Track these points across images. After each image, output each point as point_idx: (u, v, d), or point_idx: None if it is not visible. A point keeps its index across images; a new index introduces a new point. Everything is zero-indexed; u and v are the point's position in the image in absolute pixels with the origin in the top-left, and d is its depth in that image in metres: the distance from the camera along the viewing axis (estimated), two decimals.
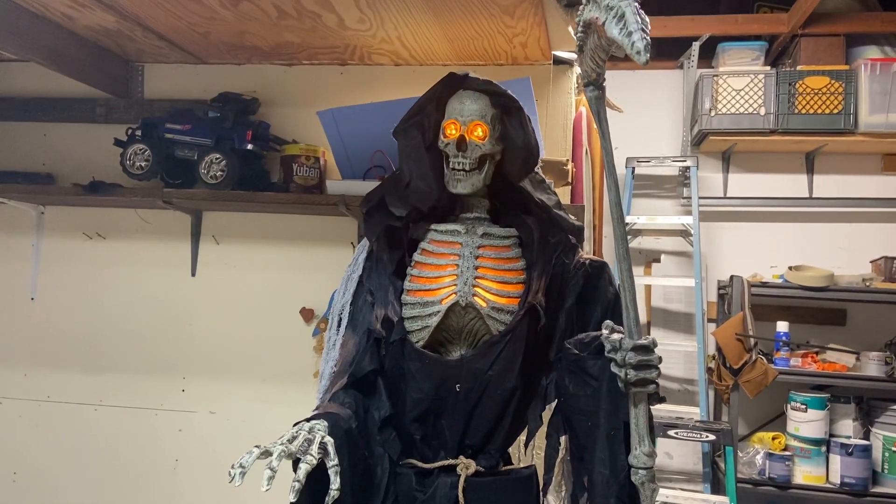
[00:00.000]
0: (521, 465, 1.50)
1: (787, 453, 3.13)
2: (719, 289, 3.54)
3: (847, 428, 3.15)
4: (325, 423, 1.28)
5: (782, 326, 3.24)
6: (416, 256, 1.50)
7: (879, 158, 3.55)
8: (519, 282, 1.45)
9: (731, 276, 3.29)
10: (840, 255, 3.51)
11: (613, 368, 1.22)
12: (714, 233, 3.65)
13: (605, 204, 2.67)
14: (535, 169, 1.53)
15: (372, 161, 2.25)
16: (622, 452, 1.26)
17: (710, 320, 3.56)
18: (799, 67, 3.33)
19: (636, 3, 1.00)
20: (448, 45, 2.27)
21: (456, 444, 1.41)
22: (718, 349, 3.24)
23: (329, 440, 1.24)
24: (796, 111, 3.31)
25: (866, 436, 3.16)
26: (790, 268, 3.31)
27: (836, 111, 3.28)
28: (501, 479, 1.43)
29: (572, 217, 1.54)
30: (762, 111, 3.34)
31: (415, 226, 1.54)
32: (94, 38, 2.42)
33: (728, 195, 3.66)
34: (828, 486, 3.10)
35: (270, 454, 1.17)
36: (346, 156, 2.29)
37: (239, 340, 2.54)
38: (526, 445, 1.59)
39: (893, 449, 3.06)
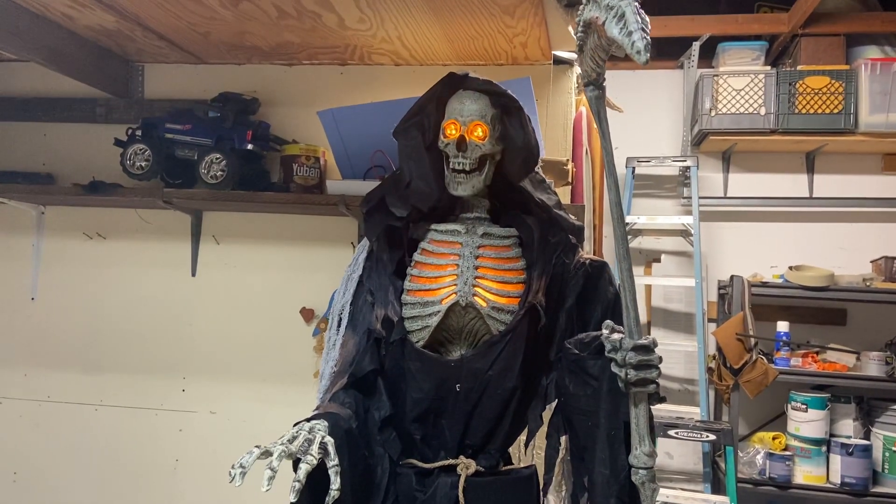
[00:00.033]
0: (522, 465, 1.50)
1: (787, 453, 3.13)
2: (719, 289, 3.54)
3: (847, 428, 3.15)
4: (326, 423, 1.28)
5: (783, 326, 3.24)
6: (417, 256, 1.50)
7: (880, 158, 3.55)
8: (519, 281, 1.45)
9: (732, 276, 3.29)
10: (840, 254, 3.51)
11: (614, 368, 1.22)
12: (714, 233, 3.65)
13: (606, 204, 2.67)
14: (536, 169, 1.52)
15: (372, 161, 2.25)
16: (622, 452, 1.26)
17: (710, 320, 3.56)
18: (799, 67, 3.33)
19: (636, 3, 1.00)
20: (448, 44, 2.27)
21: (456, 444, 1.41)
22: (719, 349, 3.24)
23: (329, 440, 1.24)
24: (796, 111, 3.31)
25: (867, 436, 3.16)
26: (790, 268, 3.31)
27: (836, 111, 3.28)
28: (502, 479, 1.43)
29: (572, 217, 1.54)
30: (762, 111, 3.34)
31: (415, 226, 1.54)
32: (94, 38, 2.42)
33: (728, 195, 3.66)
34: (828, 485, 3.10)
35: (271, 454, 1.17)
36: (347, 156, 2.29)
37: (239, 340, 2.54)
38: (526, 445, 1.59)
39: (894, 449, 3.06)
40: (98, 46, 2.48)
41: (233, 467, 1.14)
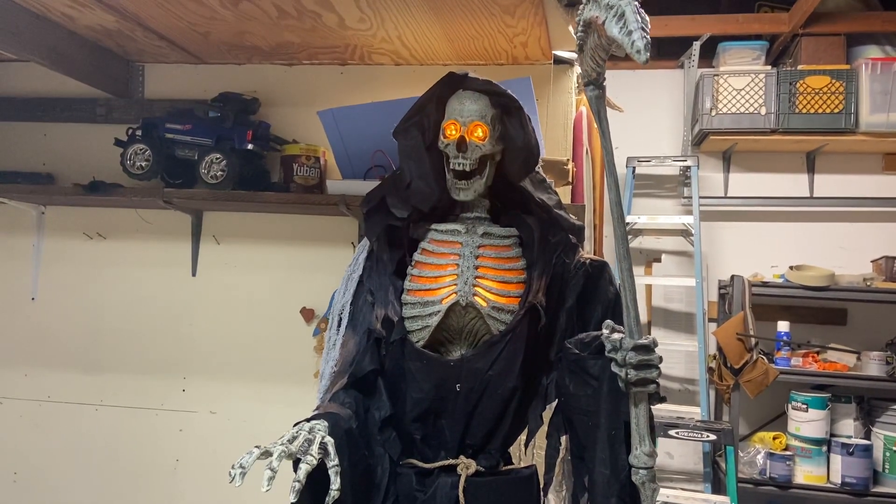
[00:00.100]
0: (522, 465, 1.49)
1: (787, 453, 3.13)
2: (720, 288, 3.54)
3: (848, 428, 3.15)
4: (326, 424, 1.28)
5: (783, 326, 3.24)
6: (417, 256, 1.50)
7: (880, 158, 3.55)
8: (519, 281, 1.45)
9: (732, 276, 3.29)
10: (841, 254, 3.51)
11: (614, 368, 1.22)
12: (715, 232, 3.65)
13: (606, 203, 2.67)
14: (536, 168, 1.52)
15: (372, 161, 2.25)
16: (623, 452, 1.26)
17: (710, 320, 3.56)
18: (800, 67, 3.33)
19: (636, 2, 1.00)
20: (448, 44, 2.27)
21: (456, 444, 1.41)
22: (719, 349, 3.24)
23: (329, 440, 1.24)
24: (797, 111, 3.31)
25: (867, 435, 3.16)
26: (791, 267, 3.30)
27: (836, 111, 3.28)
28: (502, 479, 1.43)
29: (573, 217, 1.54)
30: (763, 111, 3.34)
31: (415, 225, 1.54)
32: (95, 38, 2.42)
33: (729, 195, 3.66)
34: (829, 485, 3.10)
35: (271, 454, 1.17)
36: (347, 155, 2.29)
37: (239, 340, 2.54)
38: (526, 445, 1.59)
39: (894, 449, 3.06)
40: (98, 46, 2.48)
41: (233, 467, 1.14)
